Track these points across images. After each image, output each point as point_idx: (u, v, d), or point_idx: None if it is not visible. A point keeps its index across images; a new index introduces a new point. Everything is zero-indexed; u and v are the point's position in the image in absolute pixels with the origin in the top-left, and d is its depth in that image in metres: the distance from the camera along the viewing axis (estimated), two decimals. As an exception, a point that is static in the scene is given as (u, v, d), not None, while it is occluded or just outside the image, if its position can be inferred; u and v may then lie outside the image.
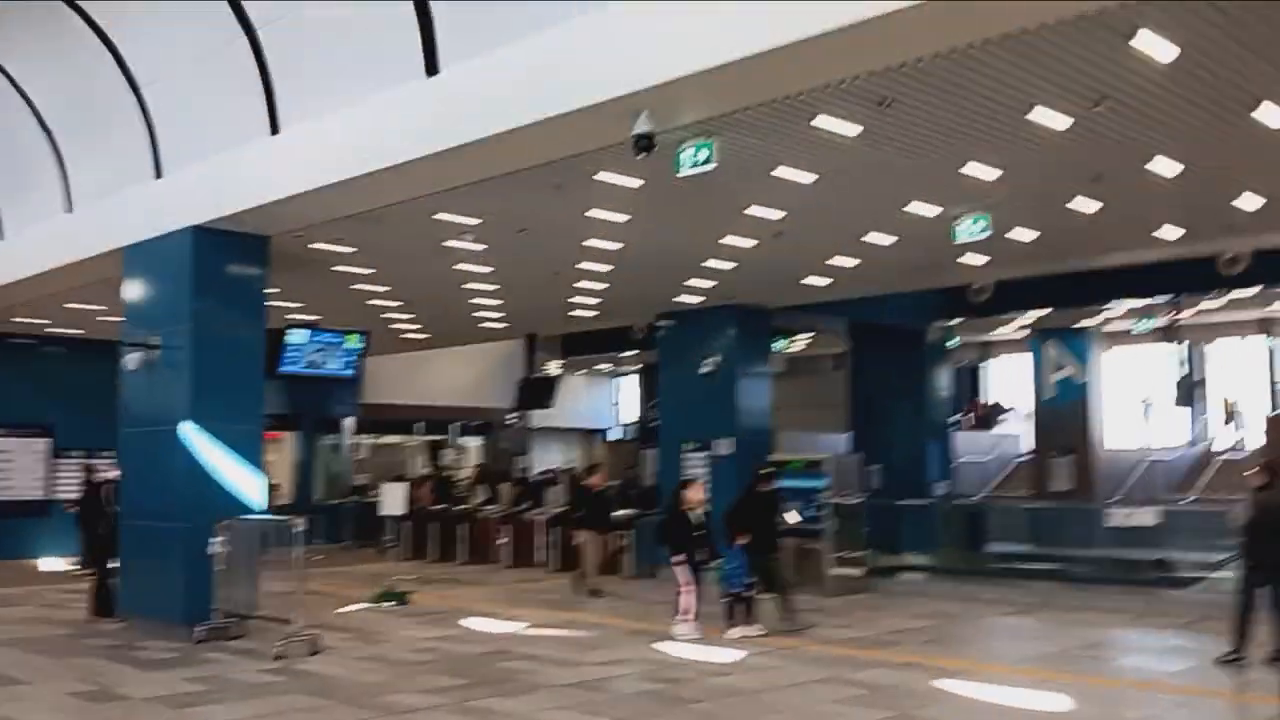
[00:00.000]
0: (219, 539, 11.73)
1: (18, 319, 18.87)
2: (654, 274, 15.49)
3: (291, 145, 10.90)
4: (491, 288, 16.52)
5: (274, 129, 11.02)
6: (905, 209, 11.93)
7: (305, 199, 10.89)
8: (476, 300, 17.66)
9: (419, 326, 20.72)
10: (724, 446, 17.92)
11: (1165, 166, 10.48)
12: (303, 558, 11.08)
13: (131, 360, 12.43)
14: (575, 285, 16.25)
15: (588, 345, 28.51)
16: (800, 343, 27.58)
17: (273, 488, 26.13)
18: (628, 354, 28.54)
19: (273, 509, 24.37)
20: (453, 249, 13.65)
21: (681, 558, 12.20)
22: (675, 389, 19.04)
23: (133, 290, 13.10)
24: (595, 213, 11.91)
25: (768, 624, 12.23)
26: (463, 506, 22.64)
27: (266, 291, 12.95)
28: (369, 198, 10.90)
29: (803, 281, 15.92)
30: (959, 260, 14.60)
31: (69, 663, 10.56)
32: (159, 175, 12.69)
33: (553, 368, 27.63)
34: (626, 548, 18.48)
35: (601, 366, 33.83)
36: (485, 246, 13.53)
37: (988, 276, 16.40)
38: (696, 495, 12.61)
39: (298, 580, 11.04)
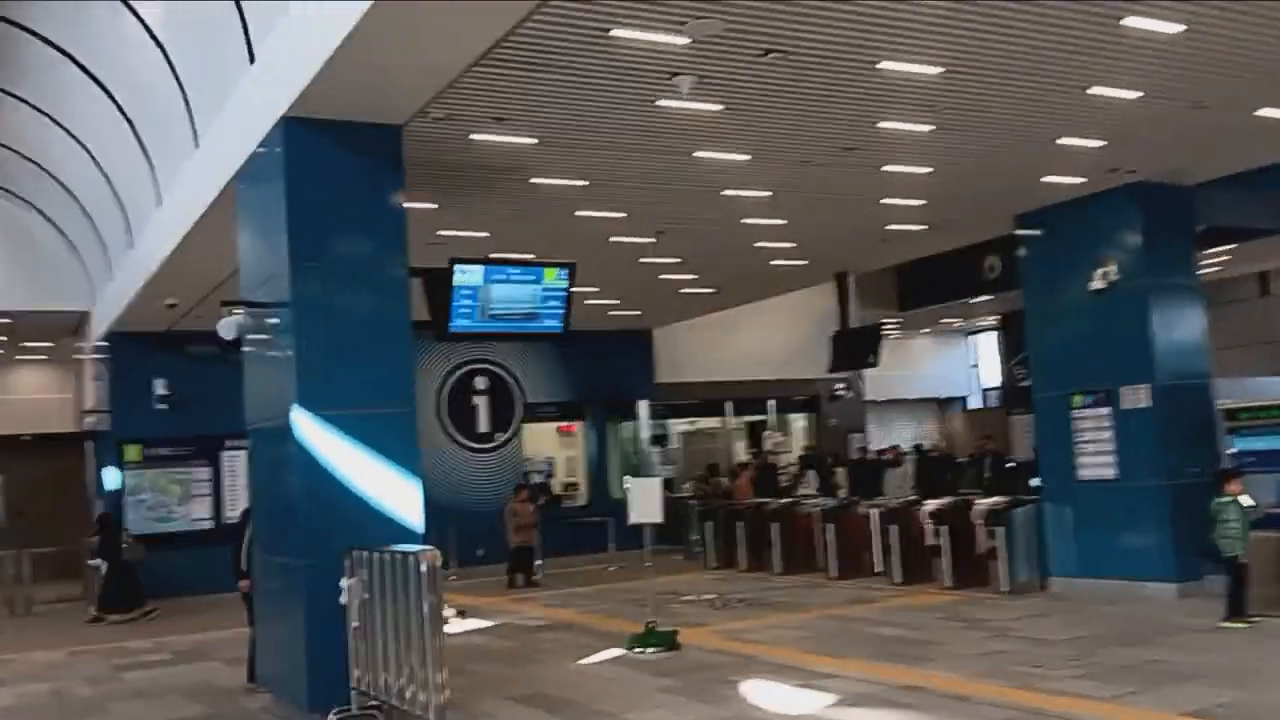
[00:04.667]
0: (350, 580, 7.74)
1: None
2: (1006, 134, 10.00)
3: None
4: (761, 194, 11.59)
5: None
6: None
7: (398, 23, 6.52)
8: (749, 221, 12.79)
9: (695, 276, 16.20)
10: (1136, 397, 12.06)
11: None
12: (436, 612, 6.75)
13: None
14: (882, 170, 10.95)
15: (928, 292, 23.11)
16: (1211, 262, 20.64)
17: (570, 486, 22.99)
18: (981, 299, 22.74)
19: (569, 510, 21.55)
20: (677, 122, 8.94)
21: None
22: (1052, 322, 13.26)
23: (242, 234, 9.43)
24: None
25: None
26: (785, 500, 18.11)
27: (453, 231, 8.89)
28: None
29: (1258, 113, 9.74)
30: None
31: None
32: (252, 60, 8.88)
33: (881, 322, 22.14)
34: (994, 550, 13.04)
35: (949, 320, 27.97)
36: (721, 106, 8.69)
37: None
38: None
39: (432, 651, 6.70)
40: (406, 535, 8.17)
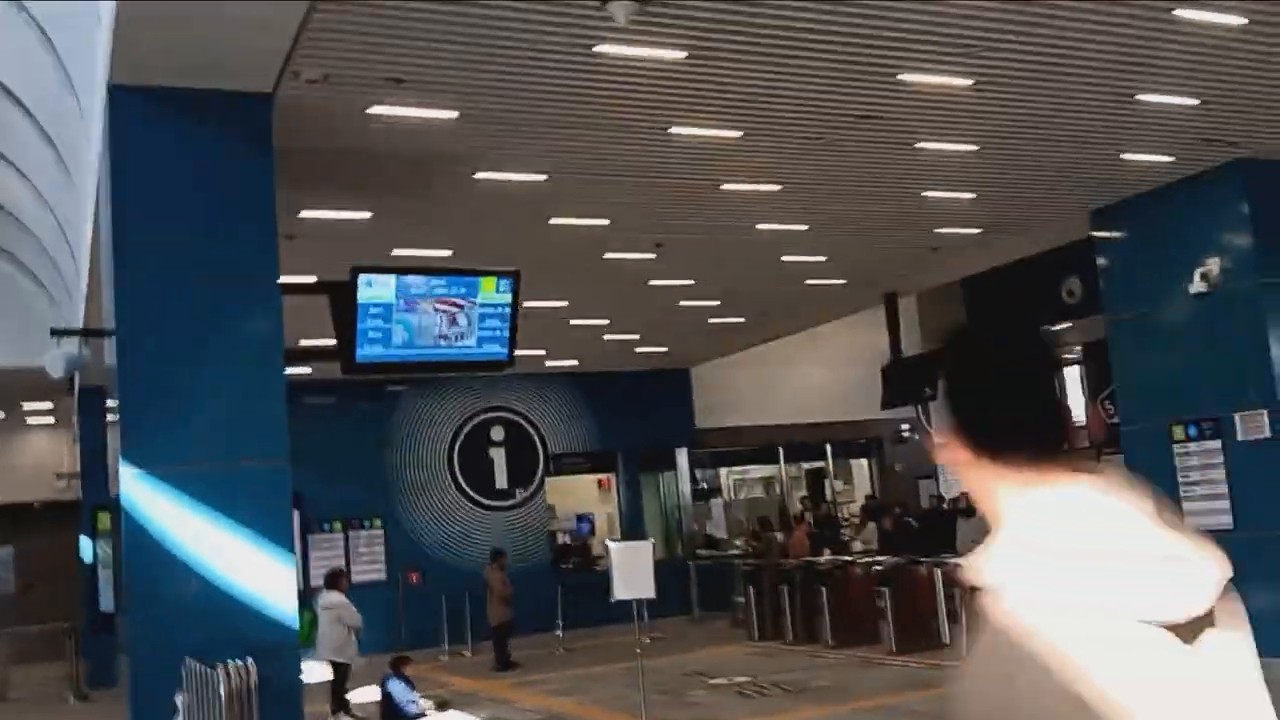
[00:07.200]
0: (184, 696, 5.74)
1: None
2: (1067, 87, 7.77)
3: None
4: (768, 188, 9.44)
5: None
6: None
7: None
8: (764, 228, 10.63)
9: (717, 302, 14.09)
10: (1255, 425, 9.61)
11: None
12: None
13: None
14: (915, 149, 8.73)
15: (1001, 320, 20.64)
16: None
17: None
18: (1062, 326, 20.17)
19: (601, 574, 19.32)
20: (629, 81, 6.91)
21: None
22: (1141, 338, 10.90)
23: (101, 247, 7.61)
24: None
25: None
26: (845, 557, 16.16)
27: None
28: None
29: None
30: None
31: None
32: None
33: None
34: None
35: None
36: (683, 53, 6.62)
37: None
38: None
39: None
40: (277, 631, 6.15)
